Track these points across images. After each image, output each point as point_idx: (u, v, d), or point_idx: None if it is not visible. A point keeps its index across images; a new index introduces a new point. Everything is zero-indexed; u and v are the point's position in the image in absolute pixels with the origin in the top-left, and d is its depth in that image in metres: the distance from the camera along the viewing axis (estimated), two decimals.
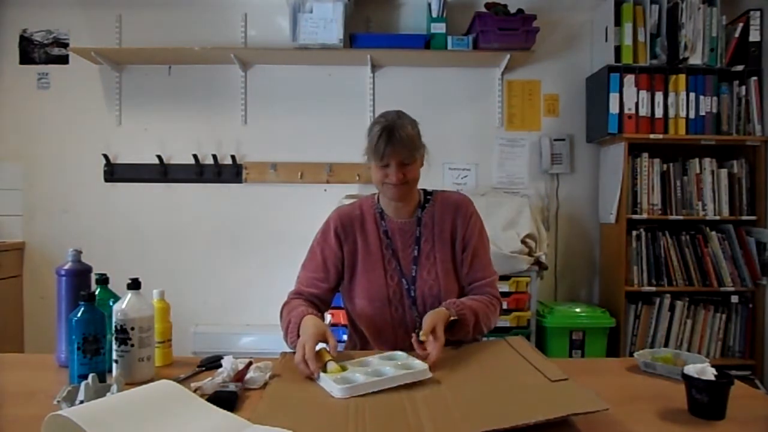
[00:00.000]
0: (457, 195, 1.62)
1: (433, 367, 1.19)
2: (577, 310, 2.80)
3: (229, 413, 0.95)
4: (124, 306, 1.19)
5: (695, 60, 2.83)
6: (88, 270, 1.32)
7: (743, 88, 2.87)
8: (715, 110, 2.86)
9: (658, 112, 2.84)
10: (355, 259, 1.53)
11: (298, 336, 1.28)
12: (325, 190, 3.12)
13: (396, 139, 1.42)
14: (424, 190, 1.60)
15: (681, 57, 2.81)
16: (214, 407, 0.95)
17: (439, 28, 2.92)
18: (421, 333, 1.28)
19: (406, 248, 1.53)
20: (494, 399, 1.04)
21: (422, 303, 1.50)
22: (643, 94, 2.83)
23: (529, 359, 1.23)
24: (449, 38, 2.91)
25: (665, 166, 2.86)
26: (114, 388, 1.00)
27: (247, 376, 1.16)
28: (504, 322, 2.68)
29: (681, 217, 2.83)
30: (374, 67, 3.13)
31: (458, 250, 1.54)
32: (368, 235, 1.54)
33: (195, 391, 1.06)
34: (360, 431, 0.92)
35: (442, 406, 1.01)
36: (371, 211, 1.57)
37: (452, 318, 1.36)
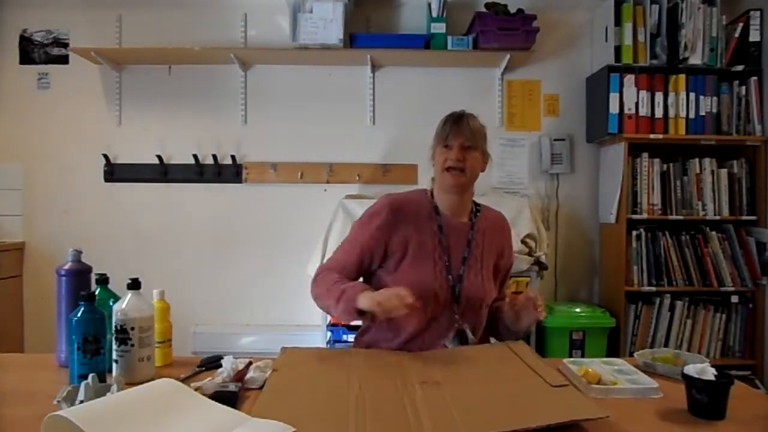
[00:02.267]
0: (501, 215, 1.70)
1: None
2: (577, 310, 2.80)
3: (229, 408, 0.95)
4: (124, 306, 1.19)
5: (695, 60, 2.83)
6: (88, 270, 1.32)
7: (743, 88, 2.87)
8: (715, 110, 2.86)
9: (658, 112, 2.84)
10: (406, 247, 1.51)
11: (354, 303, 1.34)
12: (325, 190, 3.12)
13: (462, 124, 1.52)
14: (473, 201, 1.65)
15: (681, 57, 2.81)
16: (214, 402, 0.95)
17: (439, 28, 2.92)
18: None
19: (458, 247, 1.54)
20: (494, 402, 1.04)
21: (465, 302, 1.51)
22: (643, 94, 2.83)
23: (530, 364, 1.23)
24: (449, 38, 2.91)
25: (665, 166, 2.86)
26: (114, 388, 1.00)
27: (247, 376, 1.16)
28: None
29: (681, 217, 2.83)
30: (374, 67, 3.13)
31: (500, 268, 1.63)
32: (422, 227, 1.54)
33: (195, 391, 1.06)
34: (360, 426, 0.93)
35: (441, 406, 1.01)
36: (426, 204, 1.58)
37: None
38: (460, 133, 1.51)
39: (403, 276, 1.49)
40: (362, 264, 1.52)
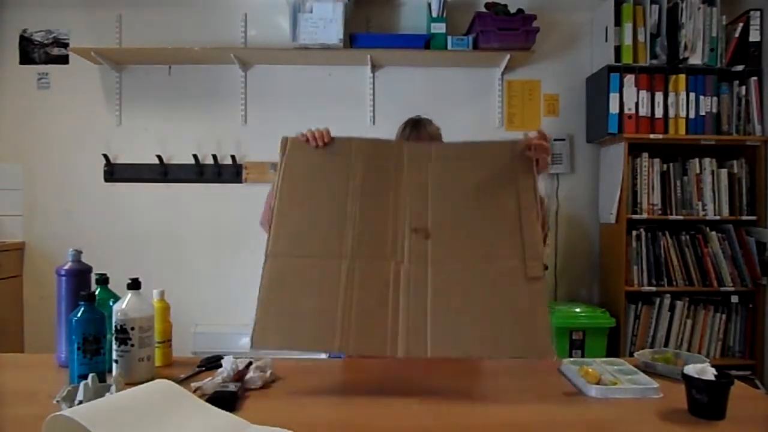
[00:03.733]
0: None
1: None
2: (577, 310, 2.80)
3: (228, 413, 0.95)
4: (124, 306, 1.19)
5: (695, 60, 2.83)
6: (88, 270, 1.32)
7: (743, 88, 2.87)
8: (715, 110, 2.86)
9: (658, 112, 2.84)
10: None
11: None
12: None
13: (422, 130, 1.65)
14: None
15: (681, 57, 2.81)
16: (213, 407, 0.95)
17: (439, 28, 2.92)
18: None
19: None
20: (462, 319, 1.17)
21: None
22: (643, 94, 2.83)
23: (522, 218, 1.24)
24: (449, 38, 2.91)
25: (665, 166, 2.86)
26: (113, 388, 1.00)
27: (247, 376, 1.16)
28: None
29: (681, 217, 2.83)
30: (374, 67, 3.13)
31: None
32: None
33: (195, 391, 1.06)
34: (345, 338, 1.14)
35: (421, 318, 1.16)
36: None
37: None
38: (418, 138, 1.64)
39: None
40: None
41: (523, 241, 1.22)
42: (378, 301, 1.18)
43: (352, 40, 2.92)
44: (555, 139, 3.11)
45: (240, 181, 3.12)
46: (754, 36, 2.85)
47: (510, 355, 1.16)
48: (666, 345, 2.83)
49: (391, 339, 1.14)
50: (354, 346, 1.16)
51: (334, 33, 2.84)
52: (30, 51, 3.14)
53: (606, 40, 2.90)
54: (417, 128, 1.65)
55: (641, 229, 2.83)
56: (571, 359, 1.31)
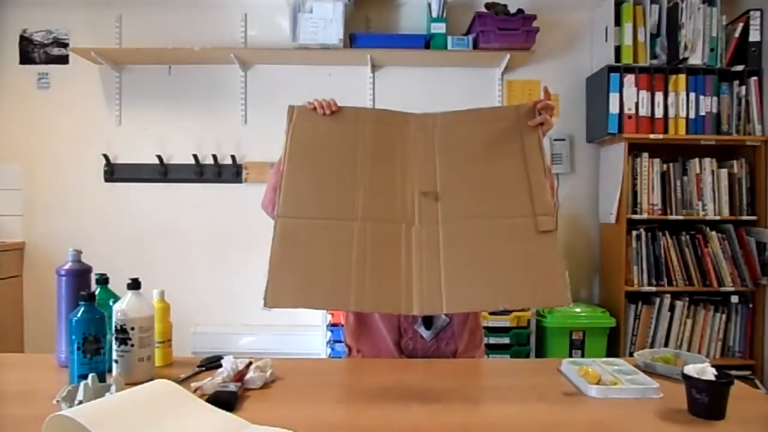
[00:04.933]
0: None
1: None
2: (577, 310, 2.80)
3: (228, 414, 0.95)
4: (124, 306, 1.19)
5: (695, 60, 2.83)
6: (88, 270, 1.32)
7: (743, 88, 2.87)
8: (715, 110, 2.86)
9: (658, 112, 2.84)
10: None
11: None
12: None
13: None
14: None
15: (681, 57, 2.81)
16: (213, 407, 0.95)
17: (439, 28, 2.92)
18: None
19: None
20: (476, 273, 1.17)
21: None
22: (643, 94, 2.83)
23: (530, 173, 1.26)
24: (449, 38, 2.91)
25: (665, 166, 2.86)
26: (113, 388, 1.00)
27: (247, 376, 1.16)
28: (504, 322, 2.68)
29: (681, 217, 2.83)
30: (374, 67, 3.13)
31: None
32: None
33: (195, 391, 1.06)
34: (359, 296, 1.12)
35: (434, 275, 1.15)
36: None
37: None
38: None
39: None
40: None
41: (532, 199, 1.22)
42: (391, 259, 1.17)
43: (352, 40, 2.92)
44: (555, 139, 3.12)
45: (240, 181, 3.12)
46: (754, 36, 2.85)
47: (526, 305, 1.18)
48: (666, 345, 2.83)
49: (406, 296, 1.13)
50: (369, 303, 1.15)
51: (334, 33, 2.84)
52: (30, 51, 3.14)
53: (606, 40, 2.90)
54: None
55: (641, 229, 2.84)
56: (571, 359, 1.31)
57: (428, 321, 1.50)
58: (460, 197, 1.25)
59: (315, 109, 1.39)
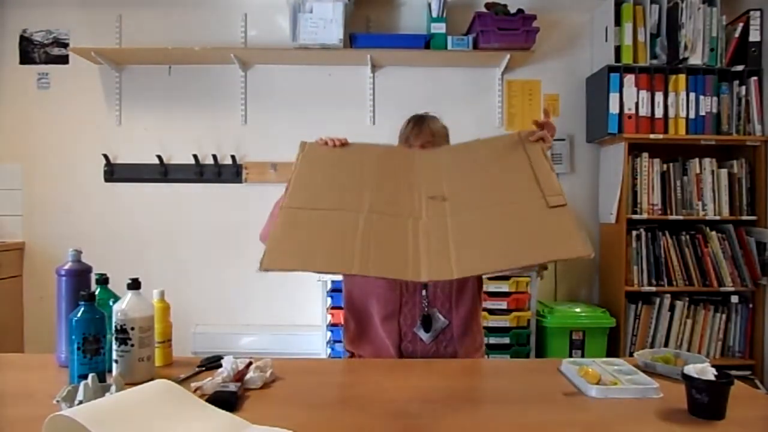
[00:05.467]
0: None
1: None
2: (577, 310, 2.80)
3: (228, 413, 0.95)
4: (124, 306, 1.19)
5: (695, 60, 2.83)
6: (88, 270, 1.32)
7: (743, 88, 2.87)
8: (715, 110, 2.86)
9: (658, 112, 2.84)
10: None
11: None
12: None
13: (424, 126, 1.61)
14: None
15: (681, 57, 2.81)
16: (213, 407, 0.95)
17: (439, 28, 2.92)
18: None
19: None
20: (488, 236, 1.13)
21: (432, 286, 1.52)
22: (643, 94, 2.83)
23: (536, 169, 1.25)
24: (449, 38, 2.91)
25: (665, 166, 2.86)
26: (113, 388, 1.00)
27: (247, 376, 1.16)
28: (504, 322, 2.69)
29: (681, 217, 2.83)
30: (374, 67, 3.13)
31: None
32: None
33: (195, 391, 1.06)
34: (364, 260, 1.06)
35: (443, 241, 1.10)
36: None
37: None
38: (422, 134, 1.59)
39: None
40: None
41: (539, 185, 1.20)
42: (398, 232, 1.14)
43: (352, 40, 2.92)
44: (555, 139, 3.09)
45: (240, 181, 3.12)
46: (754, 36, 2.85)
47: (544, 259, 1.09)
48: (666, 345, 2.83)
49: (414, 263, 1.06)
50: (374, 268, 1.07)
51: (334, 33, 2.84)
52: (30, 51, 3.14)
53: (606, 40, 2.90)
54: (419, 124, 1.61)
55: (641, 229, 2.84)
56: (571, 359, 1.31)
57: (427, 324, 1.50)
58: (469, 196, 1.25)
59: (326, 143, 1.44)
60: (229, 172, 3.12)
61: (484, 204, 1.21)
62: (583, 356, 2.70)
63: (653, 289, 2.81)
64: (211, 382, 1.12)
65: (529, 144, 1.35)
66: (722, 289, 2.80)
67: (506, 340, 2.70)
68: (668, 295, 2.83)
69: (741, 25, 2.87)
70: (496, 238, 1.12)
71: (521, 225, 1.14)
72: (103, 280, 1.31)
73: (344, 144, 1.44)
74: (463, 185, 1.28)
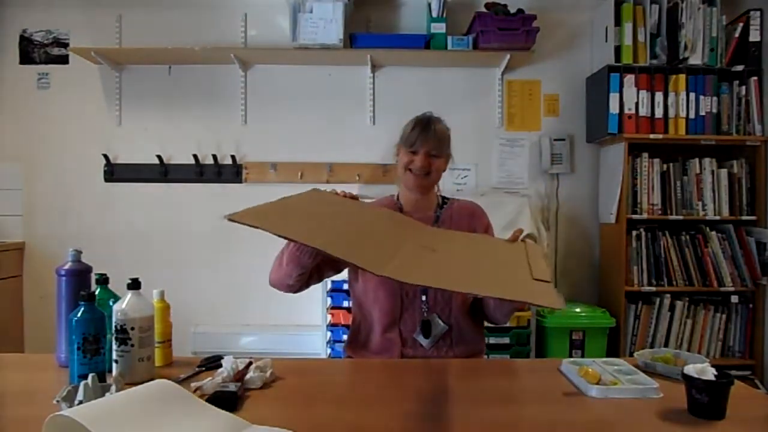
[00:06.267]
0: (472, 203, 1.70)
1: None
2: (577, 310, 2.80)
3: (228, 413, 0.95)
4: (124, 306, 1.19)
5: (695, 60, 2.83)
6: (88, 270, 1.32)
7: (743, 88, 2.87)
8: (715, 110, 2.86)
9: (658, 112, 2.84)
10: None
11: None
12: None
13: (430, 130, 1.56)
14: (442, 196, 1.68)
15: (681, 57, 2.81)
16: (212, 407, 0.95)
17: (439, 28, 2.92)
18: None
19: None
20: (465, 267, 1.15)
21: (432, 292, 1.52)
22: (643, 94, 2.83)
23: (530, 257, 1.23)
24: (449, 38, 2.91)
25: (665, 166, 2.86)
26: (113, 388, 1.00)
27: (247, 376, 1.16)
28: None
29: (681, 217, 2.83)
30: (374, 67, 3.13)
31: None
32: None
33: (195, 391, 1.06)
34: (332, 238, 1.07)
35: (419, 257, 1.12)
36: (392, 206, 1.63)
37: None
38: (428, 141, 1.55)
39: (371, 276, 1.50)
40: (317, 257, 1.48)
41: (530, 266, 1.17)
42: (379, 238, 1.18)
43: (352, 40, 2.92)
44: (555, 139, 3.12)
45: (240, 181, 3.13)
46: (754, 36, 2.85)
47: (509, 296, 1.00)
48: (666, 345, 2.83)
49: (381, 257, 1.02)
50: (339, 248, 1.01)
51: (334, 33, 2.84)
52: (30, 51, 3.14)
53: (606, 40, 2.90)
54: (426, 129, 1.56)
55: (641, 229, 2.84)
56: (571, 359, 1.31)
57: (426, 329, 1.50)
58: (458, 252, 1.27)
59: (336, 192, 1.46)
60: (229, 172, 3.12)
61: (472, 258, 1.24)
62: (583, 356, 2.70)
63: (653, 289, 2.81)
64: (211, 382, 1.12)
65: (529, 243, 1.36)
66: (722, 289, 2.80)
67: (506, 340, 2.70)
68: (668, 295, 2.83)
69: (741, 25, 2.87)
70: (471, 268, 1.16)
71: (501, 269, 1.17)
72: (103, 280, 1.30)
73: (353, 197, 1.45)
74: (455, 246, 1.30)
